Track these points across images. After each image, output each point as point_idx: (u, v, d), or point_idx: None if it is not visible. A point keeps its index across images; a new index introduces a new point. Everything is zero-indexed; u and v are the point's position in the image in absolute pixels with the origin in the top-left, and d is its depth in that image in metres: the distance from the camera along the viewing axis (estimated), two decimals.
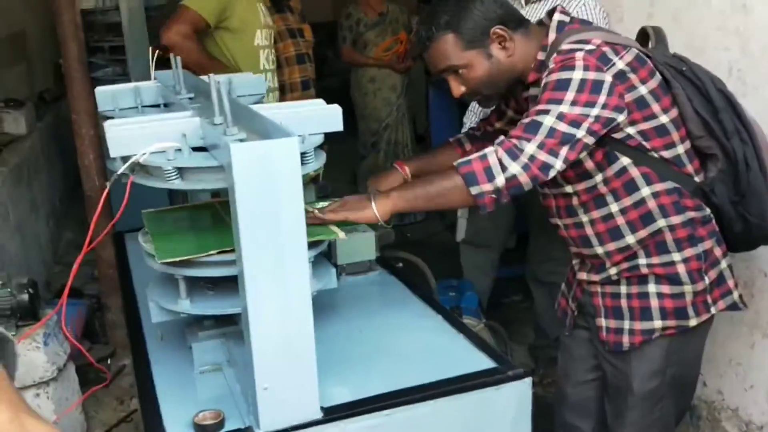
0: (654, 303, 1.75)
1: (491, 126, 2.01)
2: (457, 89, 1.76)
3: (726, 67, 2.26)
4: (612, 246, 1.76)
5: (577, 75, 1.59)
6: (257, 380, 1.30)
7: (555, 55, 1.66)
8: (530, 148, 1.57)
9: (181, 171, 1.39)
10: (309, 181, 2.52)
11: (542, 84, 1.65)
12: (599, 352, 1.87)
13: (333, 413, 1.39)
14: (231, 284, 1.42)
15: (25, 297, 2.42)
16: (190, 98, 1.99)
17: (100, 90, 2.04)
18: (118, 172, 1.38)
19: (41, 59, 5.36)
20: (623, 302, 1.78)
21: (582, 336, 1.96)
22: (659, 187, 1.70)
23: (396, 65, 4.97)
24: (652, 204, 1.71)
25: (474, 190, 1.57)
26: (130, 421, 2.86)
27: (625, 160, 1.68)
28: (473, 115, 3.32)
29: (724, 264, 1.81)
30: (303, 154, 1.45)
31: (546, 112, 1.59)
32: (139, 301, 1.95)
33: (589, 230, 1.77)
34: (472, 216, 3.42)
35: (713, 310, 1.78)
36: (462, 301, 2.71)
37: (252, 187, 1.22)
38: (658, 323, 1.75)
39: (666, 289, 1.74)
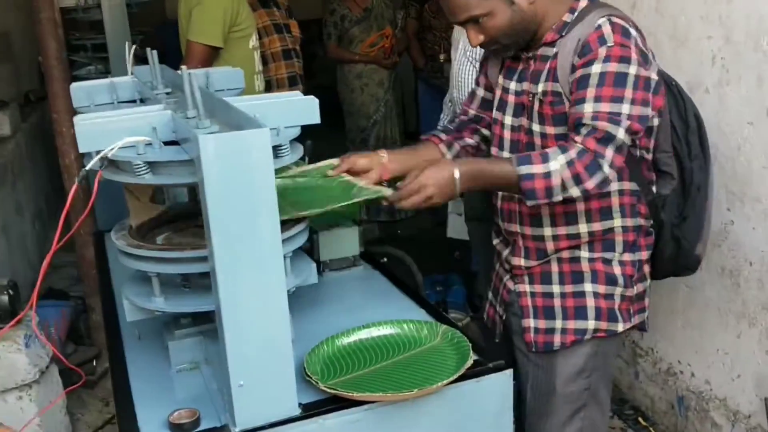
0: (590, 302, 1.73)
1: (465, 114, 1.97)
2: (476, 39, 1.67)
3: (709, 56, 2.25)
4: (563, 230, 1.73)
5: (632, 70, 1.54)
6: (232, 377, 1.28)
7: (590, 29, 1.58)
8: (607, 162, 1.52)
9: (152, 165, 1.37)
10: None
11: (585, 64, 1.56)
12: (523, 353, 1.82)
13: (311, 409, 1.37)
14: (206, 281, 1.39)
15: (5, 298, 2.39)
16: (167, 93, 1.96)
17: (75, 86, 2.01)
18: (86, 168, 1.35)
19: (27, 59, 5.32)
20: (556, 302, 1.76)
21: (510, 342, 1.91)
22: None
23: (382, 61, 4.94)
24: (615, 200, 1.70)
25: (530, 203, 1.56)
26: (116, 422, 2.82)
27: None
28: (445, 107, 3.31)
29: (647, 282, 1.83)
30: (278, 147, 1.43)
31: (617, 118, 1.52)
32: (117, 301, 1.92)
33: (544, 209, 1.72)
34: (467, 193, 3.40)
35: (632, 320, 1.78)
36: (449, 295, 2.69)
37: (222, 180, 1.20)
38: (591, 324, 1.73)
39: (602, 288, 1.73)
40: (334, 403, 1.39)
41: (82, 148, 1.39)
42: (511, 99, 1.75)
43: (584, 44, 1.58)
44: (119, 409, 1.43)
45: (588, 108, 1.54)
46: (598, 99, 1.54)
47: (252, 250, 1.24)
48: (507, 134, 1.77)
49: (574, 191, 1.53)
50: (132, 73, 2.14)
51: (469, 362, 1.45)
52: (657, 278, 1.92)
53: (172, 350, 1.55)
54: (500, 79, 1.79)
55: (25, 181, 4.41)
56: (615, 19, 1.59)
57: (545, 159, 1.53)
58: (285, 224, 1.53)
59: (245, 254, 1.23)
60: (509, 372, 1.49)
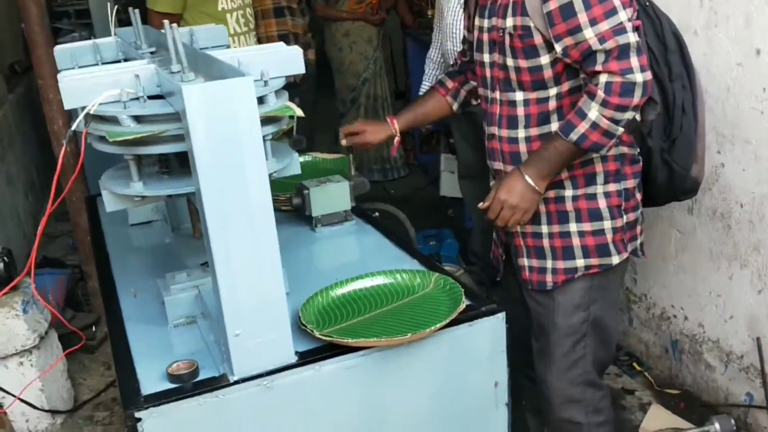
0: (576, 242, 1.76)
1: (464, 56, 1.99)
2: None
3: None
4: None
5: None
6: (228, 327, 1.29)
7: None
8: (637, 70, 1.54)
9: (138, 120, 1.36)
10: (282, 134, 2.49)
11: None
12: (525, 290, 1.87)
13: (308, 357, 1.38)
14: (185, 166, 1.34)
15: (0, 265, 2.39)
16: (151, 53, 1.94)
17: (58, 49, 1.98)
18: (73, 127, 1.34)
19: (10, 31, 5.24)
20: (545, 242, 1.78)
21: (513, 279, 1.95)
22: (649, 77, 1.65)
23: (370, 17, 4.88)
24: None
25: (603, 152, 1.64)
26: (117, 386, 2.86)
27: (582, 78, 1.65)
28: (432, 63, 3.29)
29: (640, 210, 1.84)
30: (264, 98, 1.43)
31: (621, 27, 1.54)
32: (112, 262, 1.93)
33: (523, 147, 1.74)
34: (460, 150, 3.40)
35: (627, 249, 1.80)
36: (442, 249, 2.70)
37: (208, 131, 1.19)
38: (580, 262, 1.76)
39: (587, 226, 1.75)
40: (330, 350, 1.40)
41: (68, 105, 1.38)
42: (485, 37, 1.76)
43: None
44: (118, 365, 1.44)
45: (589, 34, 1.55)
46: (593, 21, 1.55)
47: (241, 199, 1.24)
48: (488, 72, 1.78)
49: (628, 115, 1.57)
50: (115, 35, 2.12)
51: (462, 306, 1.46)
52: (656, 205, 1.95)
53: (168, 306, 1.56)
54: (476, 19, 1.80)
55: (15, 153, 4.38)
56: None
57: (582, 114, 1.58)
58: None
59: (235, 204, 1.24)
60: (501, 315, 1.51)
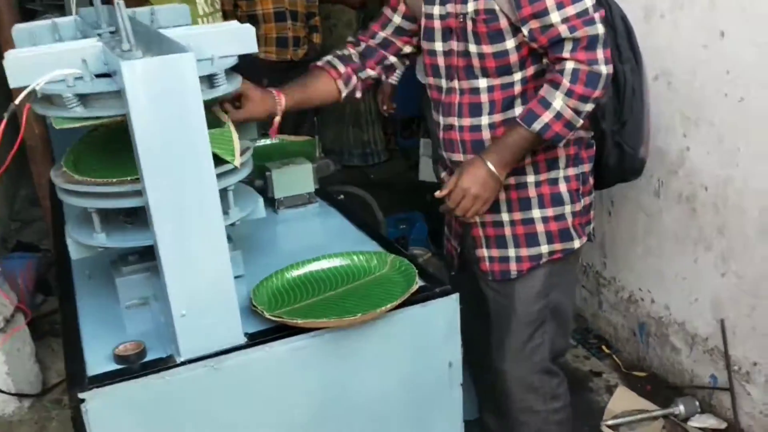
0: (540, 228, 1.75)
1: (372, 38, 1.90)
2: None
3: None
4: None
5: None
6: (173, 307, 1.28)
7: None
8: (602, 63, 1.55)
9: (83, 99, 1.34)
10: None
11: None
12: (482, 281, 1.86)
13: (257, 338, 1.38)
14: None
15: None
16: (111, 32, 1.92)
17: (17, 28, 1.95)
18: (15, 103, 1.32)
19: None
20: (507, 230, 1.77)
21: (464, 275, 1.94)
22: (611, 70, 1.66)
23: (349, 0, 4.85)
24: None
25: (563, 143, 1.64)
26: None
27: (545, 62, 1.64)
28: None
29: (592, 195, 1.85)
30: (213, 77, 1.41)
31: (589, 17, 1.53)
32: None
33: (486, 134, 1.72)
34: (433, 135, 3.38)
35: (586, 232, 1.81)
36: (411, 232, 2.70)
37: (149, 109, 1.17)
38: (544, 248, 1.76)
39: (550, 211, 1.75)
40: (280, 332, 1.39)
41: (13, 83, 1.35)
42: (437, 24, 1.72)
43: None
44: (66, 345, 1.43)
45: (556, 18, 1.54)
46: (560, 5, 1.53)
47: (184, 179, 1.22)
48: (441, 61, 1.75)
49: (589, 107, 1.57)
50: (77, 14, 2.09)
51: (414, 287, 1.46)
52: (605, 187, 1.96)
53: (120, 287, 1.54)
54: (423, 7, 1.75)
55: None
56: None
57: (546, 104, 1.57)
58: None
59: (177, 184, 1.22)
60: (455, 296, 1.50)
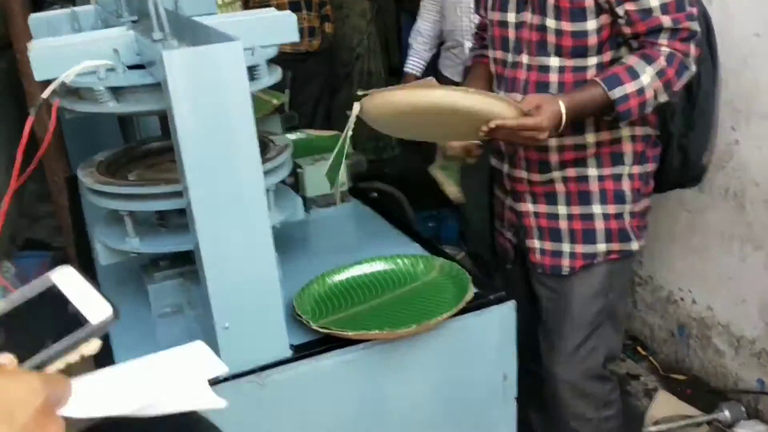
0: (599, 225, 1.65)
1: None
2: None
3: None
4: (569, 141, 1.62)
5: None
6: (216, 319, 1.18)
7: None
8: (693, 59, 1.49)
9: (116, 92, 1.24)
10: (274, 110, 2.36)
11: None
12: (534, 278, 1.76)
13: (304, 350, 1.28)
14: (183, 219, 1.27)
15: None
16: (133, 21, 1.81)
17: (33, 17, 1.85)
18: (43, 97, 1.22)
19: None
20: (562, 224, 1.67)
21: (520, 270, 1.84)
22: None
23: None
24: None
25: (623, 123, 1.53)
26: None
27: (623, 50, 1.55)
28: (421, 38, 3.12)
29: (650, 199, 1.75)
30: (253, 68, 1.31)
31: (692, 11, 1.47)
32: (93, 245, 1.81)
33: (617, 66, 1.56)
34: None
35: (643, 236, 1.71)
36: (442, 231, 2.59)
37: (192, 103, 1.07)
38: (601, 246, 1.65)
39: (611, 208, 1.65)
40: (328, 343, 1.30)
41: (38, 76, 1.25)
42: None
43: None
44: (96, 359, 1.33)
45: (654, 3, 1.45)
46: None
47: (230, 180, 1.12)
48: (511, 33, 1.62)
49: (663, 98, 1.50)
50: (96, 2, 1.98)
51: (470, 295, 1.36)
52: (662, 191, 1.84)
53: (153, 294, 1.44)
54: None
55: None
56: None
57: (634, 75, 1.47)
58: (265, 154, 1.41)
59: (223, 185, 1.12)
60: (511, 303, 1.41)
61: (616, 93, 1.46)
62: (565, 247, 1.67)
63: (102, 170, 1.40)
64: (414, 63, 3.12)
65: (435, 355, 1.38)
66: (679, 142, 1.72)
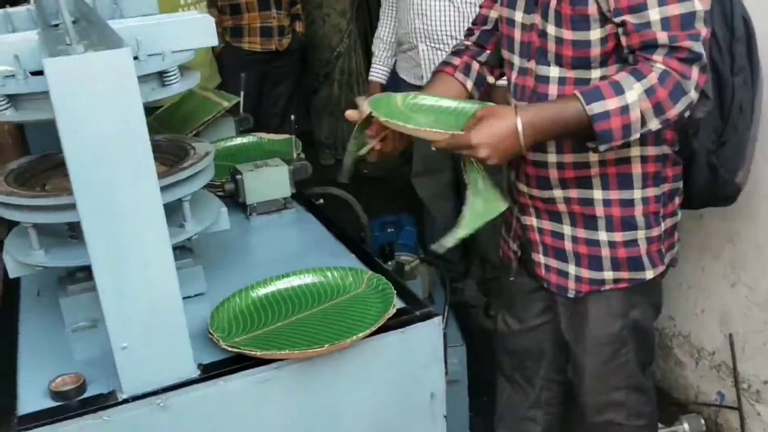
0: (605, 252, 1.53)
1: (484, 22, 1.69)
2: None
3: None
4: (569, 157, 1.49)
5: None
6: (113, 339, 1.13)
7: None
8: (693, 84, 1.29)
9: (13, 99, 1.18)
10: (223, 112, 2.30)
11: None
12: (551, 292, 1.67)
13: (212, 370, 1.22)
14: None
15: None
16: (74, 21, 1.76)
17: None
18: None
19: None
20: (567, 244, 1.56)
21: (530, 279, 1.74)
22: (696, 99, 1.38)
23: None
24: None
25: (603, 148, 1.31)
26: None
27: (631, 60, 1.38)
28: (382, 44, 3.08)
29: (678, 216, 1.61)
30: (164, 73, 1.25)
31: (695, 32, 1.29)
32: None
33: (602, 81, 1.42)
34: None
35: (665, 261, 1.58)
36: (400, 237, 2.54)
37: (77, 111, 1.01)
38: (609, 274, 1.54)
39: (618, 236, 1.52)
40: (241, 362, 1.24)
41: None
42: None
43: None
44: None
45: (655, 17, 1.29)
46: (662, 2, 1.28)
47: (121, 193, 1.06)
48: (517, 34, 1.50)
49: (653, 124, 1.29)
50: (34, 2, 1.92)
51: (391, 311, 1.30)
52: (691, 208, 1.72)
53: (65, 308, 1.38)
54: None
55: None
56: None
57: (619, 90, 1.28)
58: (182, 162, 1.36)
59: (113, 198, 1.06)
60: (437, 320, 1.35)
61: (595, 108, 1.28)
62: (571, 269, 1.57)
63: (10, 180, 1.34)
64: (377, 70, 3.09)
65: (357, 375, 1.33)
66: (708, 159, 1.58)
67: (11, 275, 1.34)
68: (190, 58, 1.31)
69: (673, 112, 1.30)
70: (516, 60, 1.54)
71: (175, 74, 1.25)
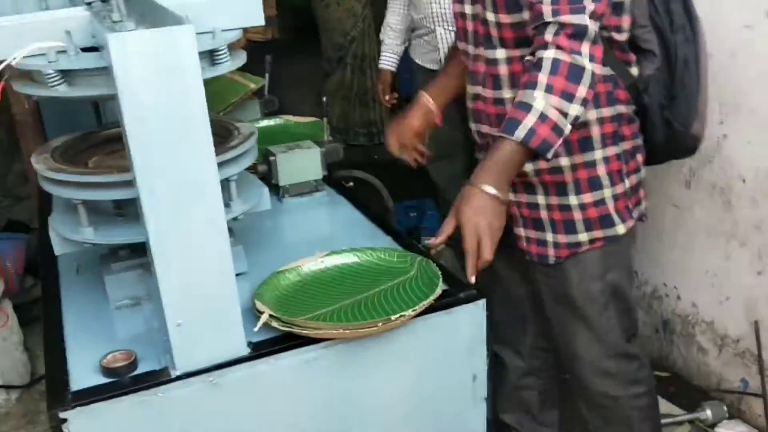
0: (577, 215, 1.59)
1: None
2: None
3: None
4: None
5: None
6: (168, 316, 1.13)
7: None
8: (586, 57, 1.33)
9: (67, 75, 1.18)
10: (251, 94, 2.30)
11: None
12: (530, 266, 1.71)
13: (262, 348, 1.23)
14: None
15: None
16: (103, 1, 1.75)
17: None
18: None
19: None
20: (543, 213, 1.62)
21: (506, 251, 1.74)
22: (599, 71, 1.41)
23: None
24: None
25: (550, 155, 1.37)
26: None
27: (526, 54, 1.43)
28: (392, 32, 3.06)
29: (642, 172, 1.67)
30: (215, 52, 1.25)
31: (579, 5, 1.33)
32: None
33: (507, 106, 1.52)
34: (432, 131, 3.20)
35: (633, 216, 1.65)
36: (423, 221, 2.54)
37: (140, 88, 1.01)
38: (583, 236, 1.60)
39: (588, 197, 1.58)
40: (290, 341, 1.25)
41: None
42: None
43: None
44: (47, 354, 1.28)
45: None
46: None
47: (180, 170, 1.06)
48: (469, 25, 1.58)
49: (574, 109, 1.34)
50: None
51: (437, 292, 1.31)
52: (654, 164, 1.76)
53: (110, 285, 1.39)
54: None
55: None
56: None
57: (525, 106, 1.33)
58: (228, 142, 1.36)
59: (173, 176, 1.06)
60: (482, 303, 1.36)
61: (519, 134, 1.34)
62: (549, 237, 1.63)
63: (57, 156, 1.34)
64: (387, 58, 3.08)
65: (402, 355, 1.34)
66: (662, 114, 1.64)
67: (57, 252, 1.35)
68: (238, 36, 1.31)
69: (582, 91, 1.34)
70: (470, 49, 1.60)
71: (225, 53, 1.25)
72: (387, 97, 3.15)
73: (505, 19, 1.47)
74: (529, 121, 1.33)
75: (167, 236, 1.09)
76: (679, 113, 1.64)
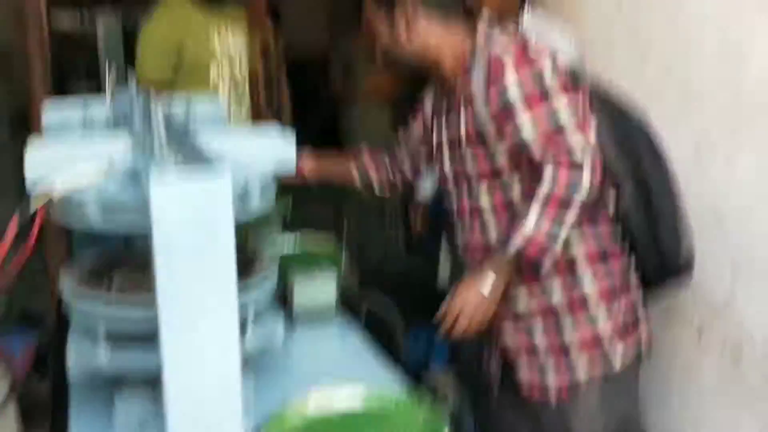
0: (574, 354, 1.67)
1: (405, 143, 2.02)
2: None
3: (724, 120, 2.12)
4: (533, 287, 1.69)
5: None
6: None
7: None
8: (584, 182, 1.51)
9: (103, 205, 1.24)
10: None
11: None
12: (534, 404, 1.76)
13: None
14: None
15: None
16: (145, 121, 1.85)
17: (48, 111, 1.91)
18: (28, 205, 1.23)
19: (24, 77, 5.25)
20: (542, 357, 1.69)
21: (511, 395, 1.82)
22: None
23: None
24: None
25: (545, 265, 1.55)
26: None
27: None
28: None
29: (637, 308, 1.75)
30: (245, 194, 1.32)
31: (559, 127, 1.51)
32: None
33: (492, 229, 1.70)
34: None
35: (628, 351, 1.72)
36: (433, 352, 2.56)
37: (174, 233, 1.06)
38: (582, 375, 1.67)
39: (586, 334, 1.67)
40: None
41: (29, 175, 1.28)
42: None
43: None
44: None
45: (528, 135, 1.55)
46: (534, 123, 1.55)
47: (203, 316, 1.10)
48: (446, 150, 1.80)
49: (570, 216, 1.48)
50: (112, 96, 2.03)
51: None
52: (655, 287, 1.83)
53: (120, 407, 1.40)
54: None
55: (8, 200, 4.29)
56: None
57: (521, 222, 1.51)
58: (249, 274, 1.40)
59: (195, 323, 1.10)
60: None
61: (517, 241, 1.50)
62: (549, 380, 1.68)
63: (85, 272, 1.39)
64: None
65: None
66: (651, 249, 1.72)
67: (72, 372, 1.36)
68: (267, 180, 1.37)
69: (577, 198, 1.50)
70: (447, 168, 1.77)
71: (256, 198, 1.31)
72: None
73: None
74: (525, 231, 1.53)
75: (181, 375, 1.11)
76: (666, 243, 1.72)
